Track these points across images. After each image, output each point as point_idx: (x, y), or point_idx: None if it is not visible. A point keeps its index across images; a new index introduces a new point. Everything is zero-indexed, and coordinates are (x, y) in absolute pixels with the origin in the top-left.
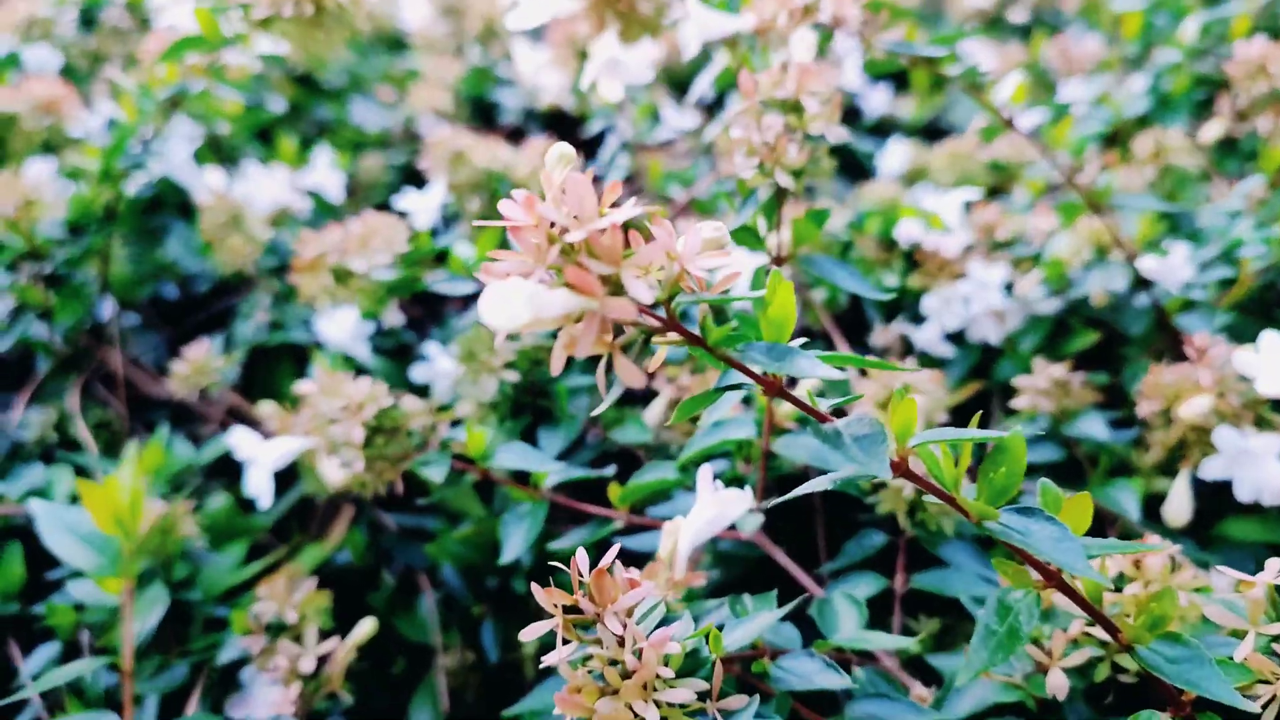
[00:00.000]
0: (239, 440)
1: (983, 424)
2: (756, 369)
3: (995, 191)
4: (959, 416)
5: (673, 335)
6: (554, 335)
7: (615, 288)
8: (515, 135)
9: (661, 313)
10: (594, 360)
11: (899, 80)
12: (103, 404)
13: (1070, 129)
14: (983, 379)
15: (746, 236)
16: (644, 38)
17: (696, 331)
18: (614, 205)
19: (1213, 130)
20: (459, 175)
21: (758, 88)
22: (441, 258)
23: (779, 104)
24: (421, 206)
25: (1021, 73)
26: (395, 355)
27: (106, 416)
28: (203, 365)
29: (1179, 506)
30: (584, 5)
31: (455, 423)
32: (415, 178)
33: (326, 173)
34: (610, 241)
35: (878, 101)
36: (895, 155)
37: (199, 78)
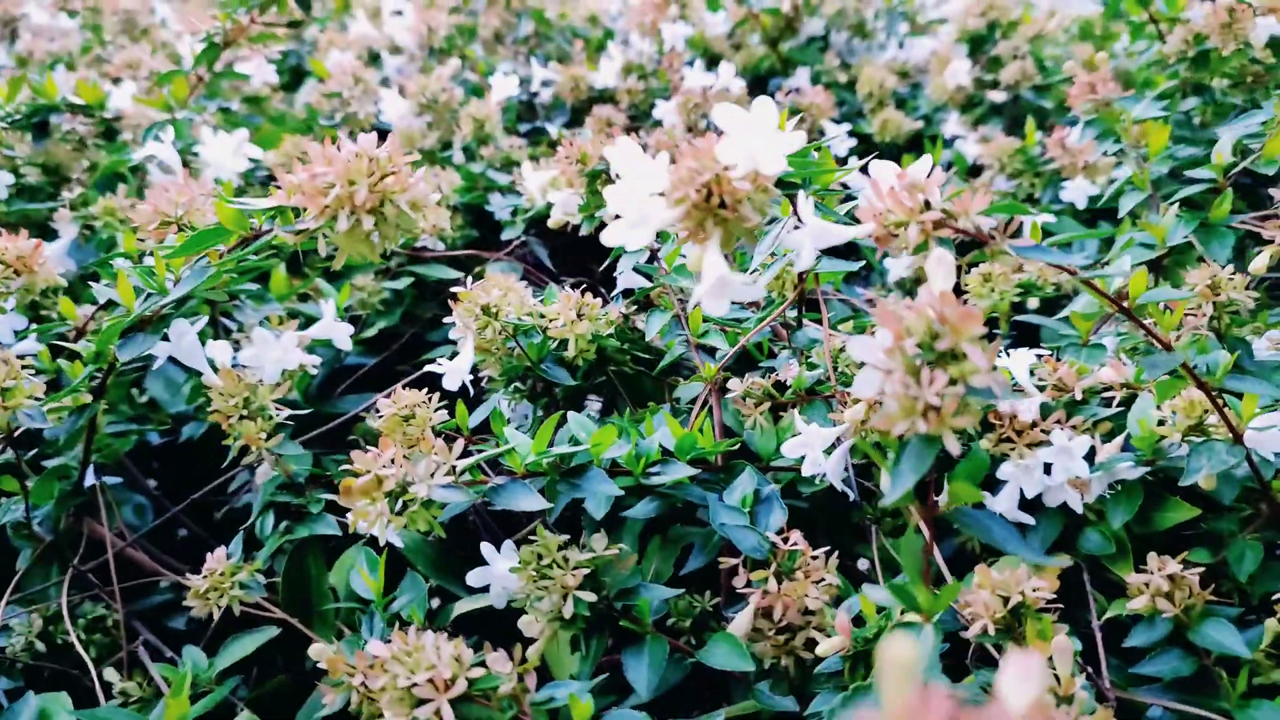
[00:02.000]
0: None
1: (1072, 608)
2: None
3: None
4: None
5: None
6: (633, 548)
7: None
8: (523, 257)
9: None
10: (670, 558)
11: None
12: (94, 597)
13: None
14: (1067, 549)
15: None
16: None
17: None
18: None
19: (1262, 260)
20: (488, 333)
21: (907, 331)
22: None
23: (934, 352)
24: (451, 369)
25: (1014, 160)
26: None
27: (99, 613)
28: (224, 578)
29: None
30: (682, 214)
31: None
32: (413, 318)
33: (333, 324)
34: None
35: None
36: None
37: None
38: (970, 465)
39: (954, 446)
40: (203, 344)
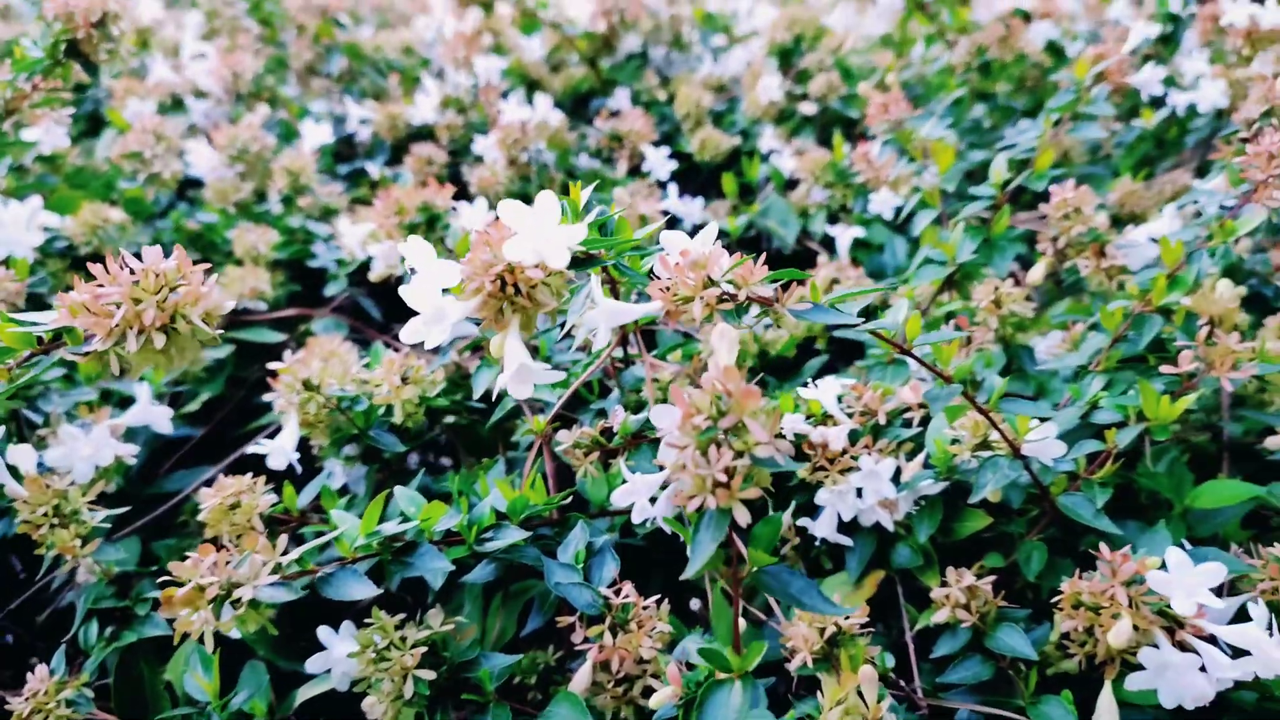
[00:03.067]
0: None
1: (888, 617)
2: None
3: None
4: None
5: None
6: (478, 616)
7: None
8: (350, 310)
9: None
10: (517, 645)
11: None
12: None
13: (915, 277)
14: (882, 566)
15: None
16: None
17: None
18: None
19: (1038, 272)
20: (311, 409)
21: (696, 410)
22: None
23: (718, 430)
24: (275, 448)
25: (825, 173)
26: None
27: None
28: (49, 698)
29: (1109, 717)
30: (479, 304)
31: None
32: (239, 381)
33: (149, 409)
34: None
35: None
36: None
37: None
38: (766, 530)
39: (743, 517)
40: (0, 450)
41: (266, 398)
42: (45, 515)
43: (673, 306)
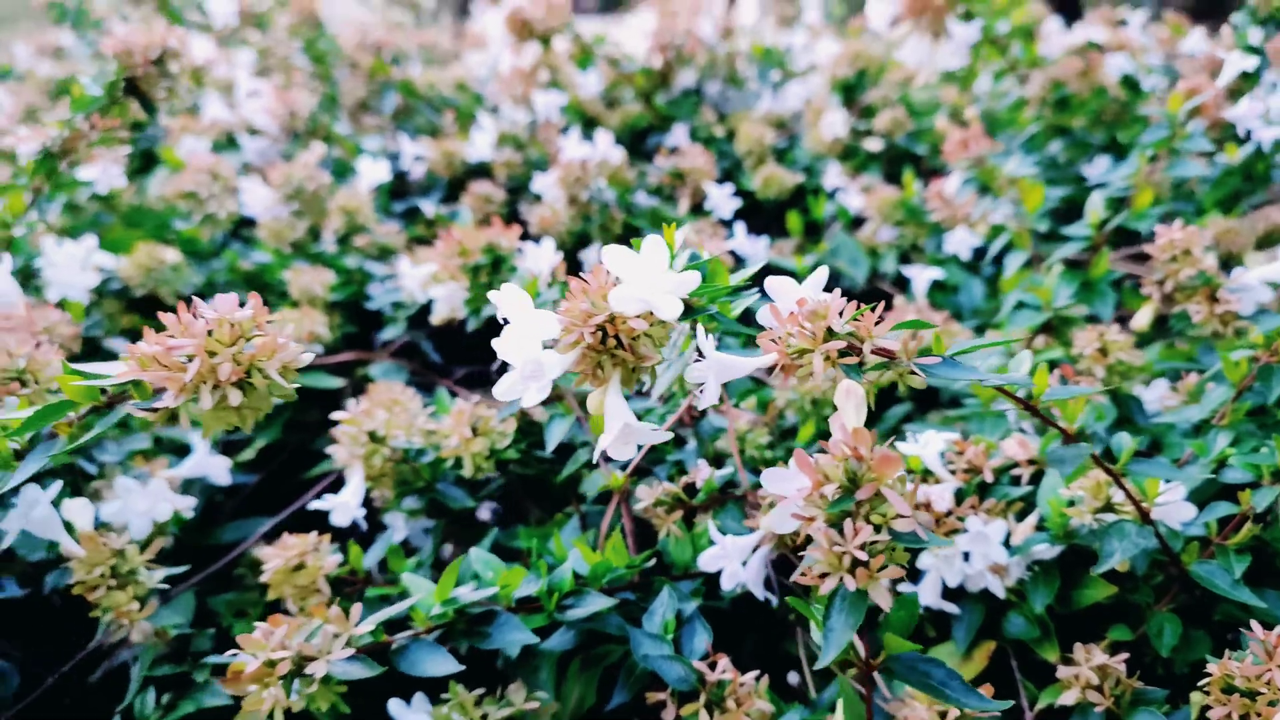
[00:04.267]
0: None
1: (1000, 693)
2: None
3: None
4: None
5: None
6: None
7: None
8: (408, 353)
9: None
10: (593, 681)
11: None
12: None
13: (1008, 323)
14: (993, 636)
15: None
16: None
17: None
18: None
19: (1144, 317)
20: (376, 462)
21: (825, 478)
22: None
23: (853, 500)
24: (339, 504)
25: (895, 211)
26: None
27: None
28: None
29: None
30: (578, 359)
31: None
32: (296, 426)
33: (206, 459)
34: None
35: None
36: None
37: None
38: (902, 613)
39: (885, 601)
40: (55, 505)
41: (327, 449)
42: (102, 576)
43: (788, 361)
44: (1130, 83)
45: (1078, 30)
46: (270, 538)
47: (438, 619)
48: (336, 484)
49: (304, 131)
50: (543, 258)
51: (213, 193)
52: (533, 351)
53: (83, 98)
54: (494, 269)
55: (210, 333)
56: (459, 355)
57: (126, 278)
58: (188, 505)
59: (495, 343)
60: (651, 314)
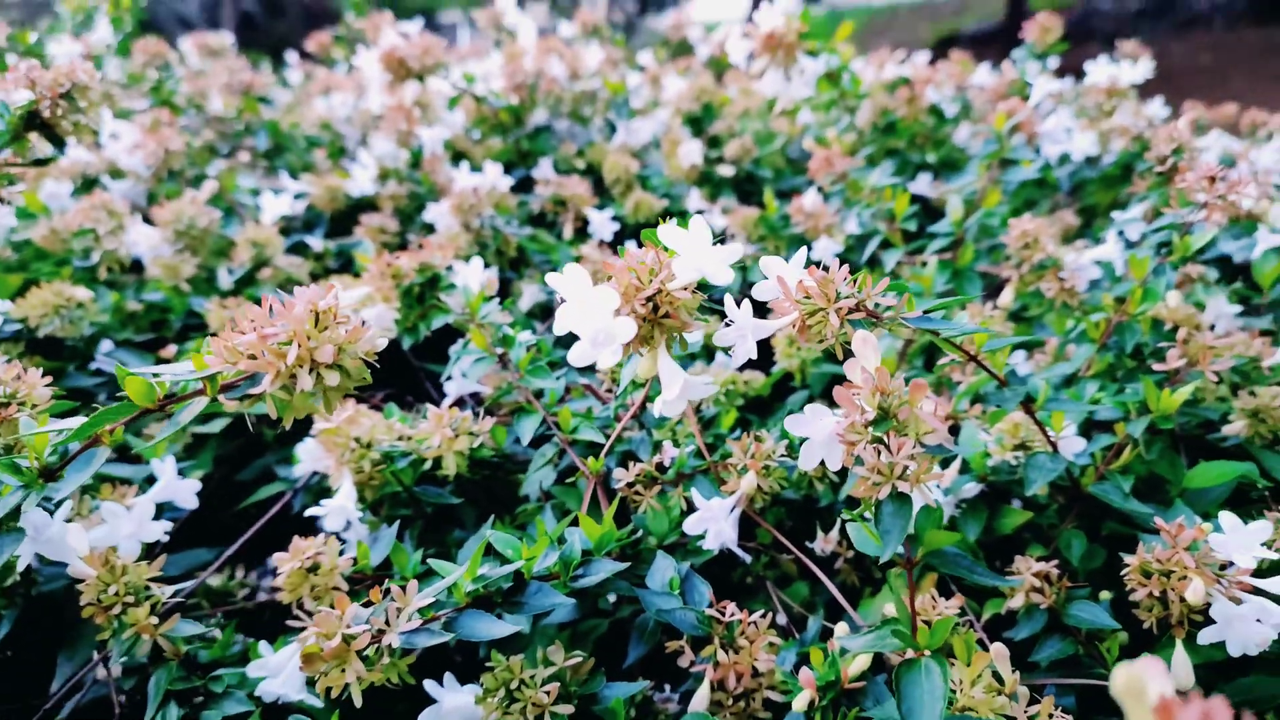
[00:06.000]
0: None
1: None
2: None
3: None
4: None
5: None
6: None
7: None
8: None
9: None
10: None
11: None
12: None
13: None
14: (932, 568)
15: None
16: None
17: None
18: None
19: (1007, 296)
20: (365, 466)
21: (863, 409)
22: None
23: (893, 424)
24: (334, 508)
25: (758, 227)
26: None
27: None
28: None
29: (1185, 673)
30: (636, 332)
31: None
32: (220, 460)
33: (175, 484)
34: None
35: None
36: None
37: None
38: (934, 514)
39: (929, 498)
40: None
41: (296, 469)
42: (117, 594)
43: (805, 319)
44: (936, 111)
45: (887, 68)
46: (222, 566)
47: (472, 594)
48: (285, 509)
49: (177, 172)
50: (473, 275)
51: (109, 229)
52: (603, 321)
53: None
54: (431, 287)
55: (304, 319)
56: (381, 377)
57: (26, 318)
58: (165, 529)
59: (559, 315)
60: (690, 286)
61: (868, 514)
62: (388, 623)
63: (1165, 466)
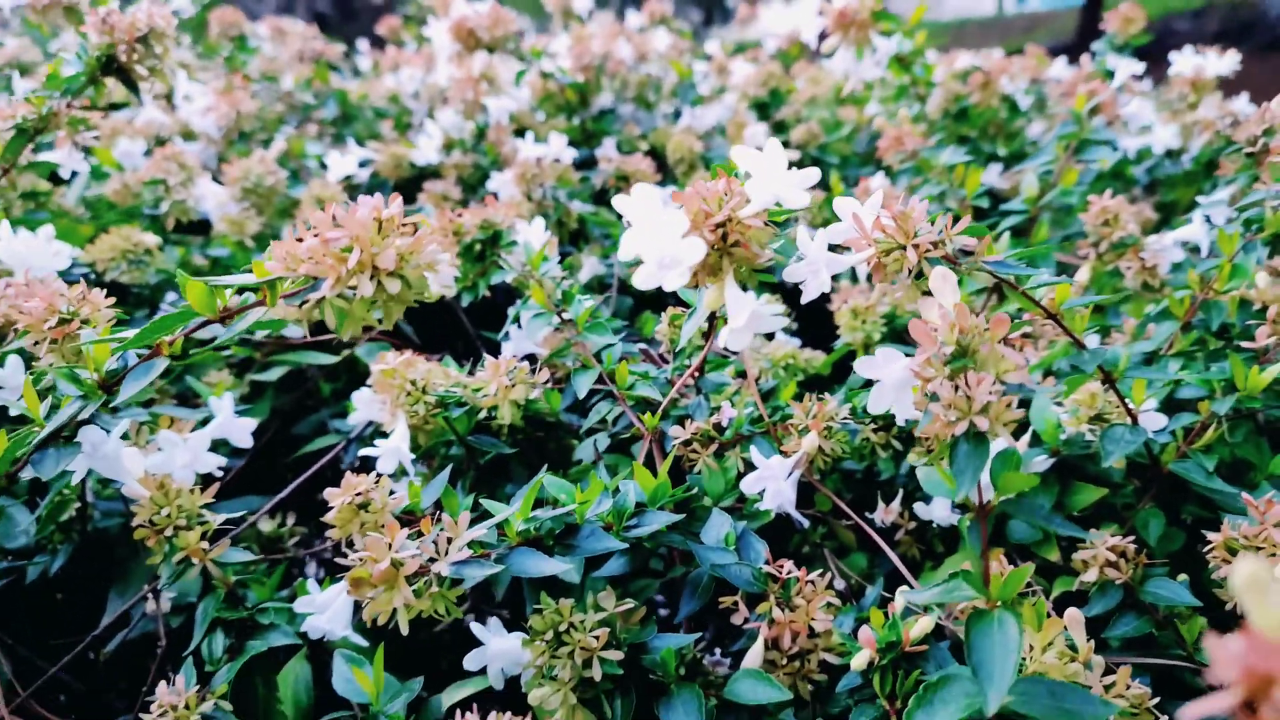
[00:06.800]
0: None
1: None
2: None
3: None
4: None
5: None
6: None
7: None
8: (388, 336)
9: None
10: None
11: None
12: None
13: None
14: (998, 544)
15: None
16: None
17: None
18: None
19: (1084, 274)
20: (420, 409)
21: (939, 339)
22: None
23: (973, 361)
24: (390, 449)
25: (823, 209)
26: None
27: None
28: (189, 712)
29: None
30: (704, 254)
31: None
32: (274, 412)
33: (231, 421)
34: None
35: None
36: None
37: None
38: (1012, 459)
39: (1010, 441)
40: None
41: (350, 418)
42: (169, 516)
43: (881, 256)
44: (1010, 102)
45: (960, 59)
46: (273, 513)
47: (524, 534)
48: (337, 461)
49: (248, 133)
50: (535, 234)
51: (179, 180)
52: (670, 243)
53: (58, 77)
54: (493, 244)
55: (366, 225)
56: (435, 340)
57: (95, 263)
58: (220, 463)
59: (624, 240)
60: (762, 214)
61: (944, 458)
62: (439, 552)
63: (1251, 450)
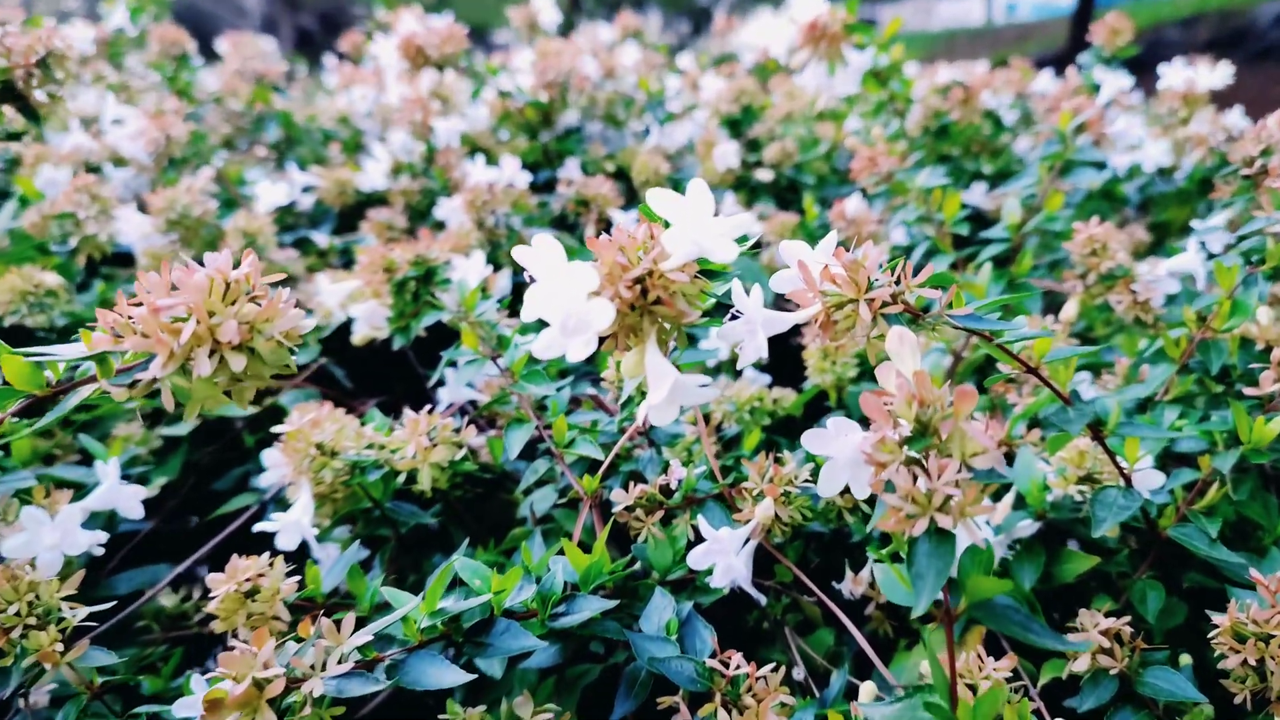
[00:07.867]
0: None
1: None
2: None
3: None
4: None
5: None
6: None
7: None
8: (318, 380)
9: None
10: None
11: None
12: None
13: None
14: (976, 621)
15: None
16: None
17: None
18: None
19: (1071, 309)
20: (326, 476)
21: (896, 422)
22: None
23: (934, 441)
24: (288, 523)
25: (796, 234)
26: None
27: None
28: None
29: None
30: (613, 317)
31: None
32: (191, 466)
33: (118, 489)
34: None
35: None
36: None
37: None
38: (982, 557)
39: (977, 536)
40: None
41: (265, 465)
42: (19, 614)
43: (831, 311)
44: (993, 118)
45: (941, 73)
46: (176, 585)
47: (429, 631)
48: (250, 521)
49: (179, 160)
50: (472, 270)
51: (91, 214)
52: (577, 304)
53: None
54: (425, 281)
55: (207, 290)
56: (377, 380)
57: None
58: (98, 540)
59: (527, 298)
60: (692, 267)
61: (902, 553)
62: (315, 664)
63: (1257, 509)
